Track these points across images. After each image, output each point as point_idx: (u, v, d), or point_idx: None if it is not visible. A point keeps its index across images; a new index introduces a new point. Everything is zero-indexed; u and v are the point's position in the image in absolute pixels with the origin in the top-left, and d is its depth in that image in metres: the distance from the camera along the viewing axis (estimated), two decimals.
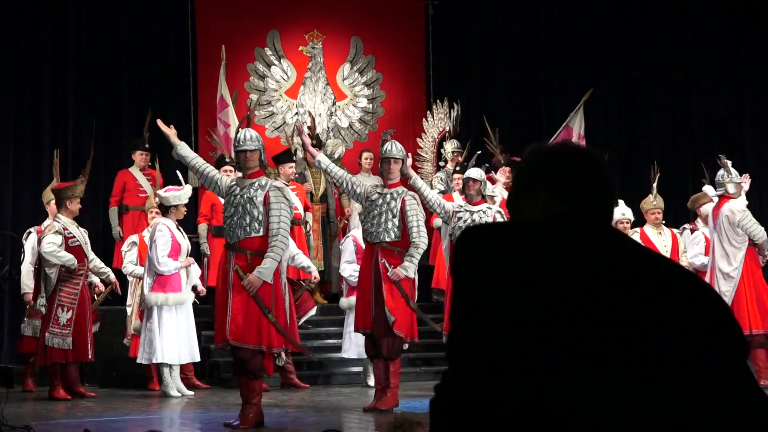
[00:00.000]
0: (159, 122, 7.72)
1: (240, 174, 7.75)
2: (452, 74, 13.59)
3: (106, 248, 11.20)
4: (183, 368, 9.62)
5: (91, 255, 9.71)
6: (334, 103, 12.91)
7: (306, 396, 9.38)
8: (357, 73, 13.17)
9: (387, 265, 8.02)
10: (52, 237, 9.25)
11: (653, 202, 10.81)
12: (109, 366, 10.39)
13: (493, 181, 10.56)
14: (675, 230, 11.09)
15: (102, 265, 9.88)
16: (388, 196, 8.18)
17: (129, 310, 9.98)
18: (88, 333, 9.43)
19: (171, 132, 7.58)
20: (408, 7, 13.52)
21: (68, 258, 9.27)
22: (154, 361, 9.31)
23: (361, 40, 13.21)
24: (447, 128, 12.75)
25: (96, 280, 9.86)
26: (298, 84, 12.86)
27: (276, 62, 12.85)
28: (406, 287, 8.06)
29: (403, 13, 13.47)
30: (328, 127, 12.80)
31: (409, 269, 8.06)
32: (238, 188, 7.33)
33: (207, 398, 9.24)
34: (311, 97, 12.82)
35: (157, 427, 7.32)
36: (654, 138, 14.03)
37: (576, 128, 11.92)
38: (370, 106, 13.17)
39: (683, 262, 10.76)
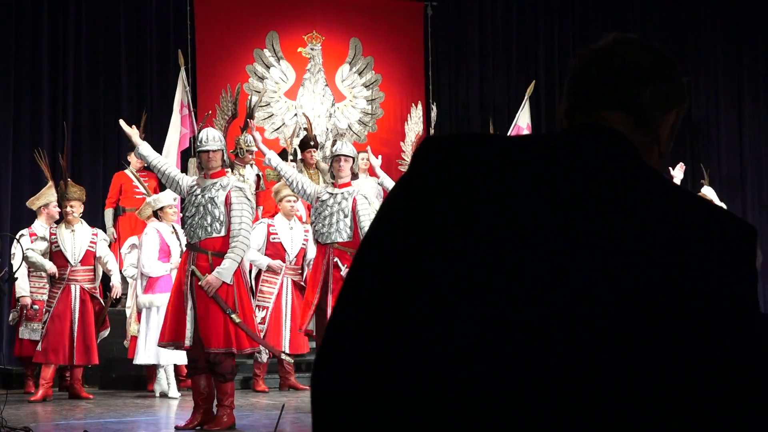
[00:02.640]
0: (121, 122, 7.74)
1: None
2: (451, 75, 13.60)
3: None
4: (180, 369, 9.63)
5: (104, 254, 9.79)
6: (333, 105, 12.92)
7: (305, 398, 9.37)
8: (356, 75, 13.19)
9: (340, 264, 7.98)
10: (35, 243, 9.43)
11: None
12: (108, 368, 10.40)
13: None
14: None
15: (112, 267, 9.87)
16: (339, 196, 8.13)
17: (128, 312, 10.00)
18: (65, 336, 9.46)
19: (133, 132, 7.57)
20: (407, 9, 13.53)
21: (41, 263, 9.44)
22: (139, 361, 9.37)
23: (360, 41, 13.22)
24: (419, 132, 12.80)
25: (116, 281, 9.92)
26: (297, 85, 12.87)
27: (275, 63, 12.86)
28: None
29: (401, 14, 13.48)
30: (327, 129, 12.81)
31: None
32: (199, 188, 7.25)
33: None
34: (310, 98, 12.83)
35: (153, 428, 7.33)
36: None
37: (522, 123, 11.91)
38: (369, 107, 13.18)
39: None
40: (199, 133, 7.71)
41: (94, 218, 11.43)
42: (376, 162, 9.49)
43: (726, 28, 14.11)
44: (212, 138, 7.38)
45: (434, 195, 1.34)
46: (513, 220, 1.30)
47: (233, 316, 7.08)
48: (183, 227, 7.69)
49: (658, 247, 1.28)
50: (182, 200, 7.96)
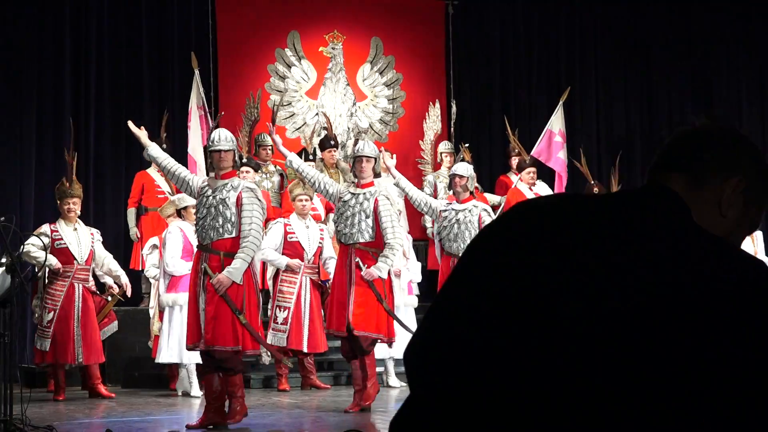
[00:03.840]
0: (130, 123, 7.69)
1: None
2: (472, 74, 13.57)
3: (127, 249, 11.25)
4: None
5: (103, 255, 9.77)
6: (354, 104, 12.92)
7: (327, 397, 9.38)
8: (377, 74, 13.18)
9: (361, 264, 7.97)
10: (34, 238, 9.30)
11: None
12: (130, 366, 10.45)
13: (508, 185, 10.53)
14: None
15: (116, 267, 9.91)
16: (361, 196, 8.12)
17: (152, 312, 10.03)
18: (72, 335, 9.45)
19: (142, 133, 7.54)
20: (428, 8, 13.51)
21: (44, 258, 9.24)
22: (162, 360, 9.41)
23: (381, 40, 13.21)
24: (437, 130, 12.80)
25: (109, 281, 9.90)
26: (318, 85, 12.87)
27: (296, 63, 12.87)
28: (380, 288, 8.00)
29: (423, 13, 13.46)
30: (349, 128, 12.81)
31: (383, 270, 7.99)
32: (210, 189, 7.23)
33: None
34: (331, 97, 12.83)
35: (177, 428, 7.35)
36: None
37: (555, 129, 11.90)
38: (390, 106, 13.17)
39: None
40: (211, 133, 7.72)
41: (116, 218, 11.49)
42: (391, 163, 9.51)
43: (747, 39, 14.01)
44: (224, 138, 7.36)
45: (504, 242, 1.51)
46: (559, 268, 1.42)
47: (241, 316, 7.10)
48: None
49: (683, 298, 1.36)
50: None
